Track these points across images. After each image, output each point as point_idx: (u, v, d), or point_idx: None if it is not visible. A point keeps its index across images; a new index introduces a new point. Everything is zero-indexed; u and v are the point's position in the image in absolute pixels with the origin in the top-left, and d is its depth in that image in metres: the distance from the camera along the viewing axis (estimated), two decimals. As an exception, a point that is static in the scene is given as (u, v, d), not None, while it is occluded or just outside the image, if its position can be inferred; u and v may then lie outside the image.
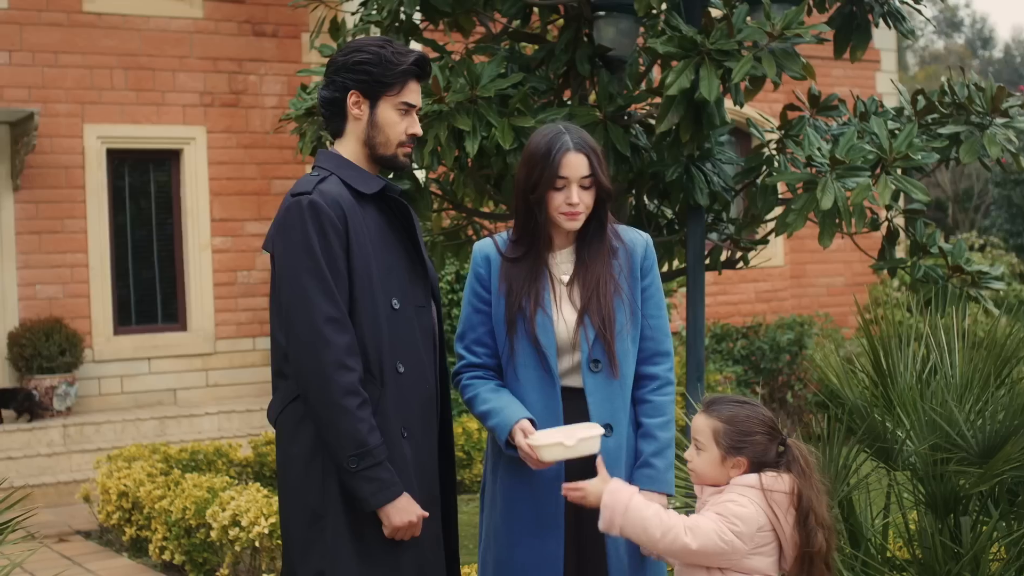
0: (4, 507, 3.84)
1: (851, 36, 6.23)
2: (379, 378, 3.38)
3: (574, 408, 3.57)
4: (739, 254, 6.72)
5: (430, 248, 7.64)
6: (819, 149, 5.73)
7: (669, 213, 6.77)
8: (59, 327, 11.43)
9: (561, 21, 6.58)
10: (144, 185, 12.51)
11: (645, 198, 6.60)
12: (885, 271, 6.55)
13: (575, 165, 3.54)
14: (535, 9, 6.71)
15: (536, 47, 6.57)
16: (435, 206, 7.01)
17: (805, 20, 5.87)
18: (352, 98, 3.51)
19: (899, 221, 6.70)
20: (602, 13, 6.23)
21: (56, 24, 11.81)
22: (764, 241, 6.58)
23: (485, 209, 7.24)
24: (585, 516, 3.45)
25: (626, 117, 6.24)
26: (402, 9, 6.49)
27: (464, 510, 7.41)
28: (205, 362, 12.48)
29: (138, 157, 12.40)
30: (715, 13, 6.35)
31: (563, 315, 3.59)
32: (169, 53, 12.33)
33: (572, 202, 3.53)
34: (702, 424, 3.33)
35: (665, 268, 7.09)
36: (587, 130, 5.93)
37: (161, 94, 12.30)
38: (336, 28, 7.23)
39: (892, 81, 7.63)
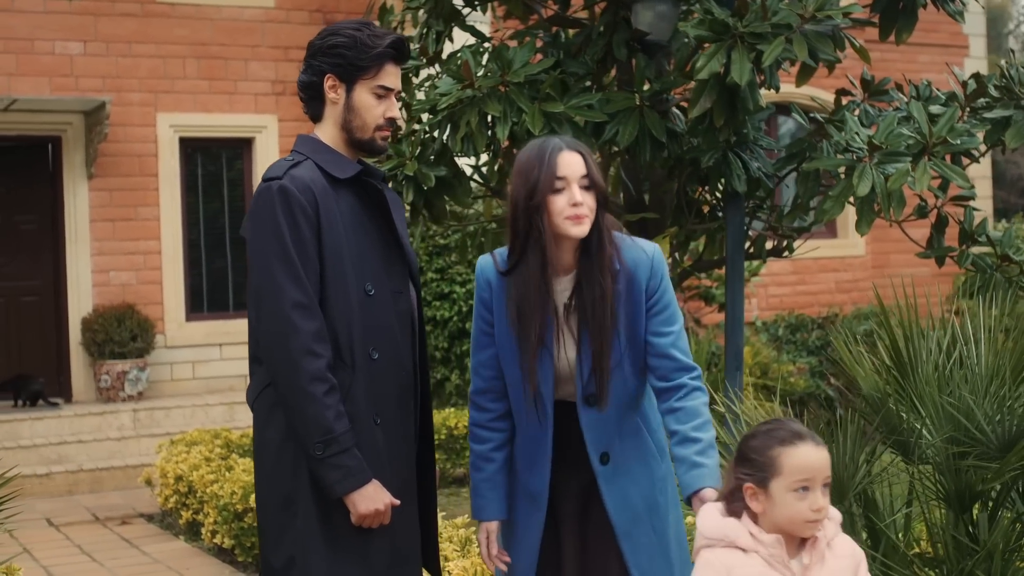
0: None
1: (897, 18, 6.05)
2: (350, 364, 3.34)
3: (565, 439, 3.53)
4: (784, 242, 6.58)
5: (481, 235, 7.61)
6: (857, 134, 5.58)
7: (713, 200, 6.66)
8: (131, 313, 11.61)
9: (604, 4, 6.49)
10: (216, 173, 12.65)
11: (686, 185, 6.49)
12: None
13: (572, 163, 3.38)
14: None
15: (576, 31, 6.49)
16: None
17: (854, 1, 5.74)
18: (328, 82, 3.48)
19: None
20: (640, -3, 6.13)
21: (130, 14, 11.98)
22: (805, 229, 6.43)
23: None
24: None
25: (664, 102, 6.14)
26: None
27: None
28: (276, 349, 12.55)
29: (210, 145, 12.55)
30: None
31: (565, 350, 3.49)
32: (241, 42, 12.44)
33: (576, 201, 3.35)
34: (826, 458, 2.88)
35: (716, 256, 6.98)
36: (623, 116, 5.89)
37: (233, 83, 12.42)
38: (385, 12, 7.22)
39: (947, 64, 7.41)
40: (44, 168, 12.06)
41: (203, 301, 12.53)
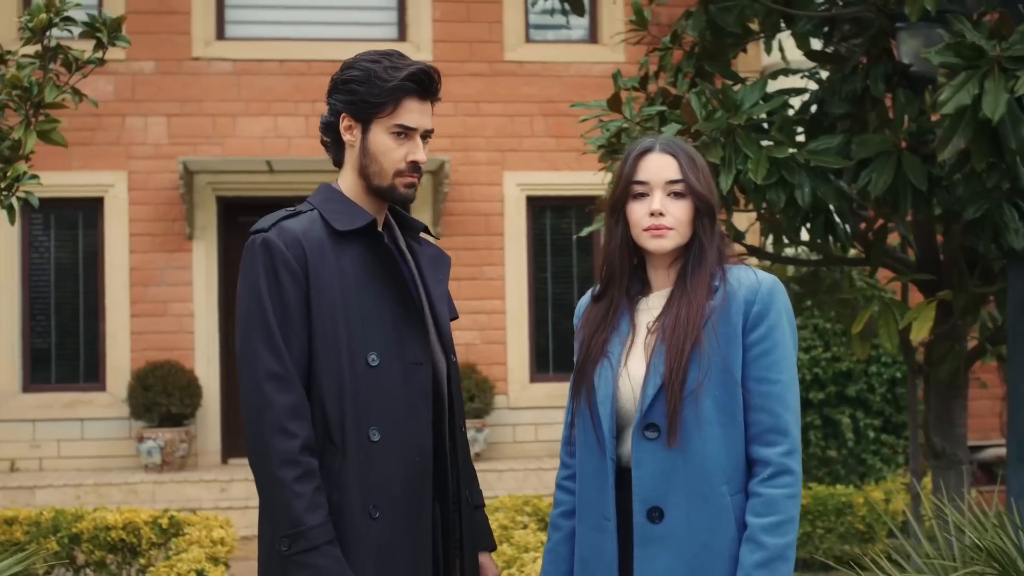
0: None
1: None
2: (340, 446, 2.86)
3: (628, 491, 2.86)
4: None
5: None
6: None
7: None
8: (469, 374, 11.53)
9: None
10: (564, 232, 12.44)
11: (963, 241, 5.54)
12: None
13: (657, 167, 2.89)
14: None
15: (835, 67, 5.73)
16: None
17: None
18: (344, 122, 3.03)
19: None
20: (902, 24, 5.31)
21: (478, 74, 12.02)
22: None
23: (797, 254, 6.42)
24: None
25: (926, 144, 5.26)
26: (687, 32, 5.88)
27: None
28: (622, 413, 12.13)
29: (558, 204, 12.35)
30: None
31: (629, 367, 2.88)
32: (589, 99, 12.17)
33: (654, 209, 2.85)
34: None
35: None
36: (880, 160, 5.10)
37: (581, 141, 12.16)
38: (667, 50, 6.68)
39: None
40: (394, 228, 12.25)
41: (548, 362, 12.30)
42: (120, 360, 11.51)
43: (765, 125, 5.32)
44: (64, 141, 5.31)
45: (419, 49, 11.95)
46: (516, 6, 12.12)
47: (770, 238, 6.14)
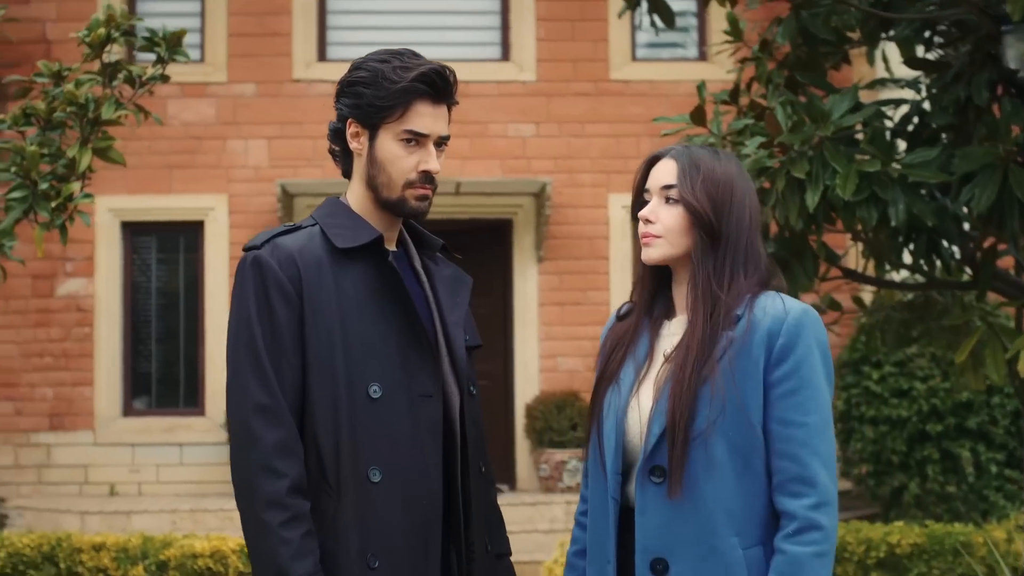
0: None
1: None
2: (336, 487, 2.57)
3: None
4: None
5: (883, 325, 6.51)
6: None
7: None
8: (572, 401, 11.21)
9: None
10: (671, 256, 12.09)
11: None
12: None
13: (658, 173, 2.70)
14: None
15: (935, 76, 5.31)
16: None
17: None
18: (351, 128, 2.76)
19: None
20: (1009, 27, 4.88)
21: (583, 94, 11.73)
22: None
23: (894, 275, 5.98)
24: None
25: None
26: (777, 40, 5.51)
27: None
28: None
29: (664, 227, 11.98)
30: None
31: (640, 402, 2.61)
32: (697, 118, 11.82)
33: (642, 215, 2.67)
34: None
35: None
36: (983, 174, 4.68)
37: (690, 161, 11.81)
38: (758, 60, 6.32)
39: None
40: (497, 251, 11.99)
41: (654, 390, 11.93)
42: (219, 385, 11.41)
43: (859, 137, 4.93)
44: (122, 159, 5.13)
45: (522, 69, 11.72)
46: (622, 24, 11.80)
47: (871, 261, 5.74)
